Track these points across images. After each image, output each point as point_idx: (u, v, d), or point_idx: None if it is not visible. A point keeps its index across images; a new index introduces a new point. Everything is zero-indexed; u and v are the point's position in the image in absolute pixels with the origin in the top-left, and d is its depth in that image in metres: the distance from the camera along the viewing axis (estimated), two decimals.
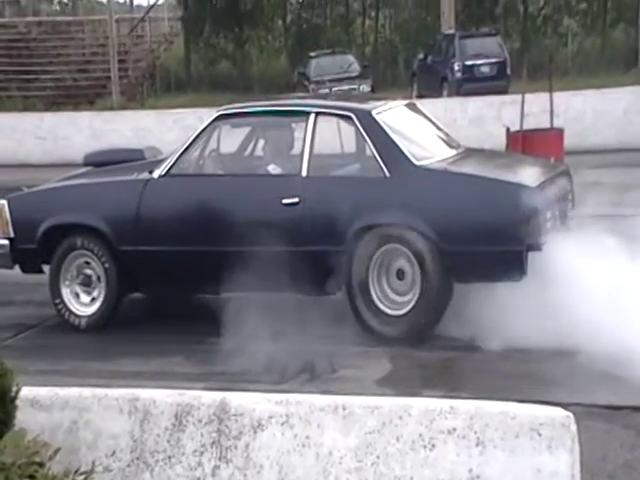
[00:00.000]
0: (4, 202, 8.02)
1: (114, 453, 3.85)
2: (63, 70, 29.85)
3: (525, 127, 12.01)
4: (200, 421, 3.80)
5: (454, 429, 3.53)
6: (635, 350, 6.06)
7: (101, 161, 8.74)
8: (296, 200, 7.20)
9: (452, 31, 25.49)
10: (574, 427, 3.47)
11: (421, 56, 27.30)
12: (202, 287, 7.78)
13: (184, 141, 7.79)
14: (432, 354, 6.80)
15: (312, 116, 7.43)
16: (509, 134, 11.87)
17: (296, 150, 7.63)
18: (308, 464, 3.66)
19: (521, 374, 6.30)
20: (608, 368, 6.06)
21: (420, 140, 7.68)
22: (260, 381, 6.28)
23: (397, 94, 18.32)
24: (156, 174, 7.69)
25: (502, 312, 6.54)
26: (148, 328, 7.82)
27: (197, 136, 7.72)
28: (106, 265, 7.68)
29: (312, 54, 27.67)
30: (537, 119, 13.18)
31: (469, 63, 24.50)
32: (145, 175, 7.80)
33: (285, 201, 7.22)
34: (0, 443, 3.58)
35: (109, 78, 28.22)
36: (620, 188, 11.39)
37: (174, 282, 7.79)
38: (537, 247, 6.73)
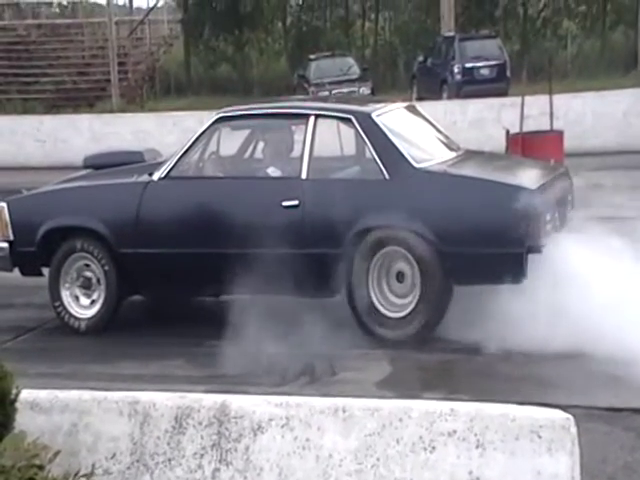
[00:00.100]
0: (4, 205, 8.02)
1: (114, 456, 3.85)
2: (63, 73, 29.89)
3: (525, 129, 12.02)
4: (200, 424, 3.80)
5: (454, 431, 3.53)
6: (635, 352, 6.06)
7: (101, 164, 8.74)
8: (296, 202, 7.20)
9: (452, 33, 25.49)
10: (574, 429, 3.47)
11: (421, 58, 27.30)
12: (202, 290, 7.79)
13: (184, 144, 7.79)
14: (432, 356, 6.80)
15: (312, 118, 7.43)
16: (509, 136, 11.87)
17: (296, 152, 7.63)
18: (308, 466, 3.66)
19: (521, 376, 6.29)
20: (608, 370, 6.07)
21: (420, 142, 7.68)
22: (260, 384, 6.28)
23: (397, 96, 18.31)
24: (156, 176, 7.69)
25: (502, 314, 6.53)
26: (148, 331, 7.81)
27: (197, 139, 7.72)
28: (106, 268, 7.67)
29: (312, 57, 27.68)
30: (537, 121, 13.21)
31: (469, 65, 24.51)
32: (145, 178, 7.80)
33: (285, 203, 7.21)
34: (0, 446, 3.57)
35: (109, 81, 28.25)
36: (620, 190, 11.41)
37: (174, 285, 7.79)
38: (537, 249, 6.72)
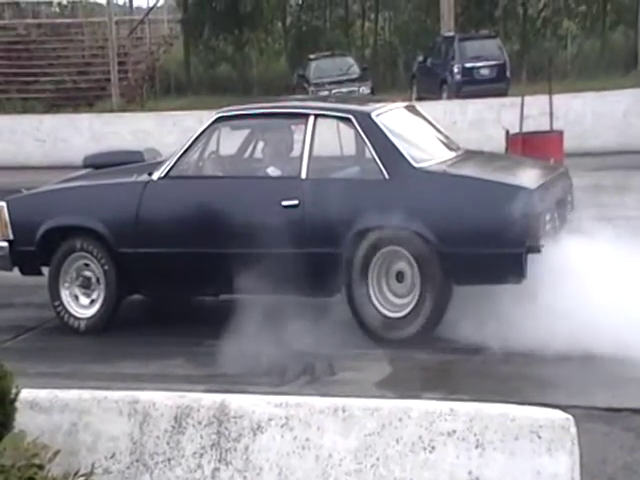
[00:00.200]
0: (3, 204, 8.01)
1: (114, 455, 3.85)
2: (63, 72, 29.90)
3: (525, 129, 12.01)
4: (200, 423, 3.80)
5: (454, 431, 3.53)
6: (635, 352, 6.06)
7: (100, 163, 8.74)
8: (295, 202, 7.20)
9: (452, 33, 25.49)
10: (574, 429, 3.47)
11: (421, 58, 27.30)
12: (202, 289, 7.78)
13: (183, 143, 7.79)
14: (432, 356, 6.80)
15: (311, 118, 7.43)
16: (509, 136, 11.86)
17: (295, 152, 7.63)
18: (308, 466, 3.66)
19: (521, 376, 6.29)
20: (608, 370, 6.07)
21: (419, 142, 7.68)
22: (260, 383, 6.28)
23: (397, 96, 18.31)
24: (155, 176, 7.69)
25: (502, 315, 6.54)
26: (147, 330, 7.81)
27: (196, 138, 7.72)
28: (105, 267, 7.67)
29: (311, 56, 27.68)
30: (537, 121, 13.20)
31: (469, 65, 24.51)
32: (144, 177, 7.80)
33: (284, 203, 7.21)
34: (0, 445, 3.57)
35: (109, 80, 28.25)
36: (620, 190, 11.40)
37: (174, 284, 7.78)
38: (536, 249, 6.72)
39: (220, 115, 7.78)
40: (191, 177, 7.74)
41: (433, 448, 3.54)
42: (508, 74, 24.34)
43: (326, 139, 7.68)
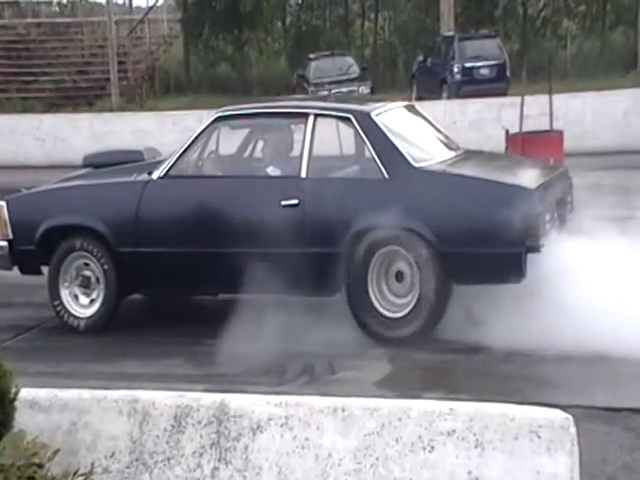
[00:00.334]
0: (3, 203, 8.01)
1: (113, 454, 3.85)
2: (62, 72, 29.90)
3: (524, 129, 12.01)
4: (199, 423, 3.80)
5: (453, 431, 3.53)
6: (635, 352, 6.06)
7: (100, 162, 8.74)
8: (295, 202, 7.20)
9: (451, 33, 25.50)
10: (573, 429, 3.47)
11: (420, 58, 27.31)
12: (201, 289, 7.79)
13: (183, 142, 7.78)
14: (431, 356, 6.79)
15: (311, 118, 7.43)
16: (508, 136, 11.87)
17: (295, 152, 7.63)
18: (307, 466, 3.66)
19: (521, 376, 6.29)
20: (608, 370, 6.07)
21: (419, 142, 7.68)
22: (259, 383, 6.28)
23: (396, 96, 18.33)
24: (155, 175, 7.69)
25: (502, 314, 6.54)
26: (147, 330, 7.81)
27: (196, 137, 7.72)
28: (105, 267, 7.67)
29: (311, 56, 27.68)
30: (536, 121, 13.21)
31: (468, 65, 24.51)
32: (144, 176, 7.80)
33: (284, 203, 7.21)
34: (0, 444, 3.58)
35: (108, 80, 28.25)
36: (620, 190, 11.39)
37: (173, 284, 7.78)
38: (536, 249, 6.73)
39: (220, 115, 7.78)
40: (191, 176, 7.74)
41: (433, 448, 3.54)
42: (508, 74, 24.34)
43: (326, 139, 7.67)
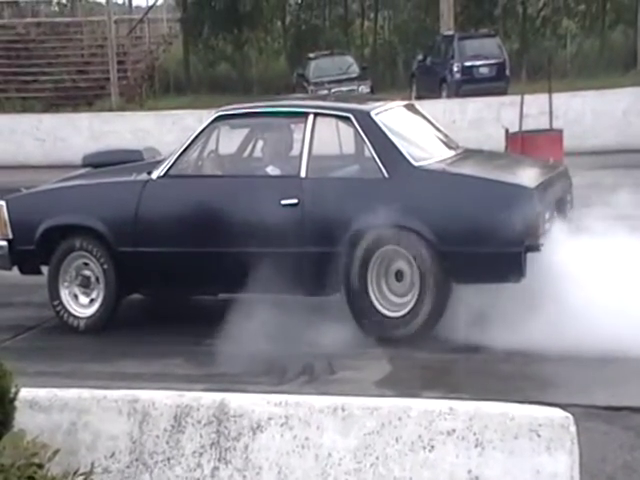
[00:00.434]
0: (3, 203, 8.01)
1: (113, 454, 3.84)
2: (62, 71, 29.89)
3: (524, 128, 12.01)
4: (199, 422, 3.80)
5: (453, 430, 3.53)
6: (635, 352, 6.06)
7: (100, 162, 8.74)
8: (295, 201, 7.20)
9: (451, 32, 25.51)
10: (573, 428, 3.47)
11: (420, 57, 27.31)
12: (201, 288, 7.78)
13: (183, 142, 7.78)
14: (431, 355, 6.79)
15: (311, 117, 7.43)
16: (508, 135, 11.87)
17: (295, 151, 7.63)
18: (307, 465, 3.66)
19: (521, 375, 6.29)
20: (607, 370, 6.07)
21: (419, 141, 7.68)
22: (259, 382, 6.28)
23: (396, 95, 18.35)
24: (155, 175, 7.68)
25: (502, 314, 6.54)
26: (147, 330, 7.81)
27: (196, 137, 7.72)
28: (105, 266, 7.67)
29: (311, 55, 27.69)
30: (536, 120, 13.20)
31: (468, 64, 24.51)
32: (144, 176, 7.79)
33: (284, 202, 7.21)
34: None
35: (108, 79, 28.24)
36: (620, 189, 11.38)
37: (173, 283, 7.78)
38: (536, 248, 6.72)
39: (219, 114, 7.77)
40: (190, 176, 7.74)
41: (433, 447, 3.54)
42: (508, 73, 24.35)
43: (325, 138, 7.67)
